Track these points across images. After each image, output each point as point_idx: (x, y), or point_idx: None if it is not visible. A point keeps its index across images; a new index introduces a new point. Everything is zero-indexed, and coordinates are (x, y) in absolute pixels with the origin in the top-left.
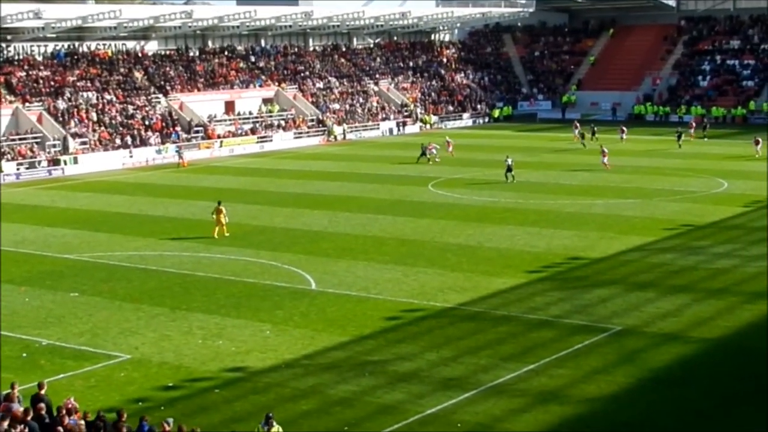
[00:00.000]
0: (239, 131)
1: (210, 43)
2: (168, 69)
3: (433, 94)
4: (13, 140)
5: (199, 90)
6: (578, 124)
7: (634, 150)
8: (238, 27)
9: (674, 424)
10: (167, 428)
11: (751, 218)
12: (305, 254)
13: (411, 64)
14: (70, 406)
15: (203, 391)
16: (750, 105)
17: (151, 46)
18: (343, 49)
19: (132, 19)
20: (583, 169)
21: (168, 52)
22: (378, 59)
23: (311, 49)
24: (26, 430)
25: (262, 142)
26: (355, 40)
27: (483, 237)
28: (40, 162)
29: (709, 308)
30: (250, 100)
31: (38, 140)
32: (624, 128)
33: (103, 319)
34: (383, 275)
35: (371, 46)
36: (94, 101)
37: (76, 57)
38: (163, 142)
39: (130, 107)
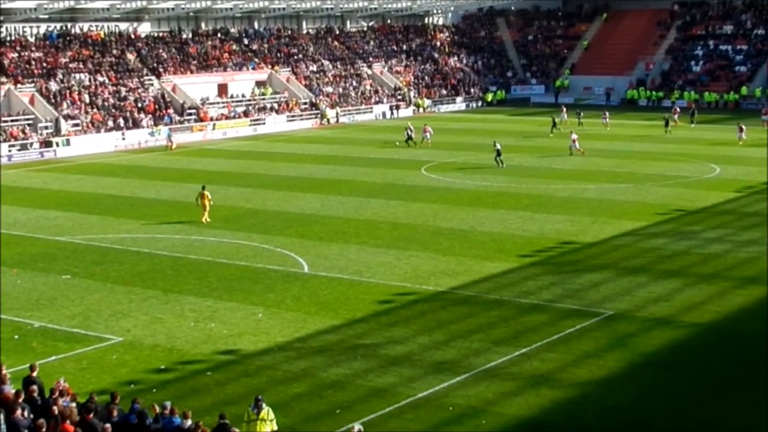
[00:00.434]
0: (232, 114)
1: (203, 25)
2: (161, 51)
3: (426, 77)
4: (5, 122)
5: (192, 72)
6: (565, 108)
7: (627, 135)
8: (231, 9)
9: (665, 408)
10: (157, 410)
11: (742, 203)
12: (298, 237)
13: (404, 47)
14: (60, 387)
15: (195, 374)
16: (742, 90)
17: (144, 28)
18: (337, 32)
19: (125, 0)
20: (573, 154)
21: (161, 34)
22: (371, 42)
23: (304, 31)
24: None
25: (255, 125)
26: (348, 23)
27: (475, 221)
28: (32, 144)
29: (701, 293)
30: (243, 82)
31: (30, 122)
32: (606, 113)
33: (95, 301)
34: (376, 259)
35: (365, 29)
36: (87, 83)
37: (68, 38)
38: (155, 125)
39: (123, 89)
